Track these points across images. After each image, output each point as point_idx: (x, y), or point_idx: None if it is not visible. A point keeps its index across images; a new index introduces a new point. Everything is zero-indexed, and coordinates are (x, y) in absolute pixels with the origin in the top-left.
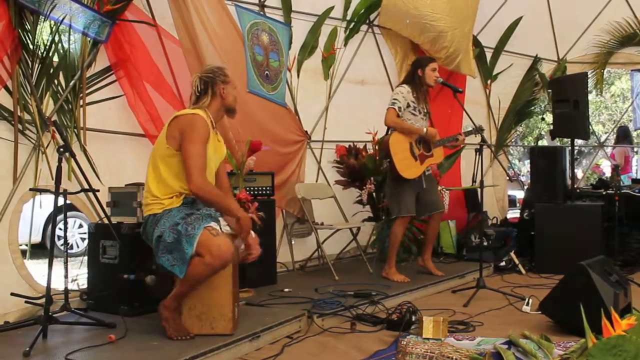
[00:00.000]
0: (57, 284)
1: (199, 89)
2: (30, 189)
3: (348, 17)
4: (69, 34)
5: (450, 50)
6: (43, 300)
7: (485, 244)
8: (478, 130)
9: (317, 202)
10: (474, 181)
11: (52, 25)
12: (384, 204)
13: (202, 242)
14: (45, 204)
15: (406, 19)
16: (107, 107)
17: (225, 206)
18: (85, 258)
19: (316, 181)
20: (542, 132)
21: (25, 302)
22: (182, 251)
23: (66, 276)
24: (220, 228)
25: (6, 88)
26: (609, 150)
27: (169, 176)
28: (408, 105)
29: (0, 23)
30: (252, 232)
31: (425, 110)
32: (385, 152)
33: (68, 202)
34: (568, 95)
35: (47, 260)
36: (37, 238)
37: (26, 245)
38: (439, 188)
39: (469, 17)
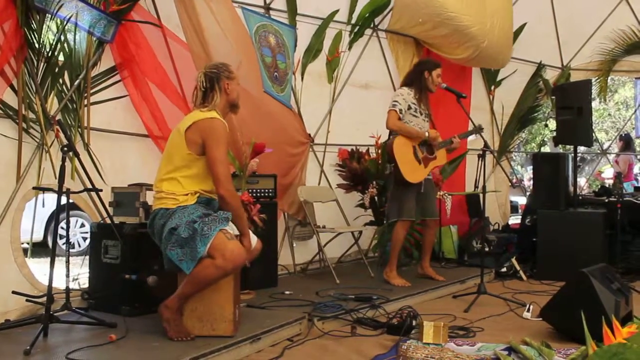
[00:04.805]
0: (59, 283)
1: (204, 85)
2: (34, 188)
3: (353, 21)
4: (75, 34)
5: (482, 45)
6: (44, 299)
7: (486, 249)
8: (478, 130)
9: (319, 205)
10: (476, 187)
11: (58, 25)
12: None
13: (216, 245)
14: (48, 202)
15: (419, 17)
16: (112, 107)
17: (242, 216)
18: (87, 257)
19: (318, 184)
20: (545, 139)
21: (27, 300)
22: (194, 249)
23: (67, 275)
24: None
25: (11, 86)
26: (611, 157)
27: (189, 179)
28: (409, 107)
29: (7, 22)
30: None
31: (427, 112)
32: (389, 156)
33: (71, 201)
34: (572, 102)
35: (48, 259)
36: (38, 236)
37: (28, 243)
38: (442, 193)
39: (497, 11)
